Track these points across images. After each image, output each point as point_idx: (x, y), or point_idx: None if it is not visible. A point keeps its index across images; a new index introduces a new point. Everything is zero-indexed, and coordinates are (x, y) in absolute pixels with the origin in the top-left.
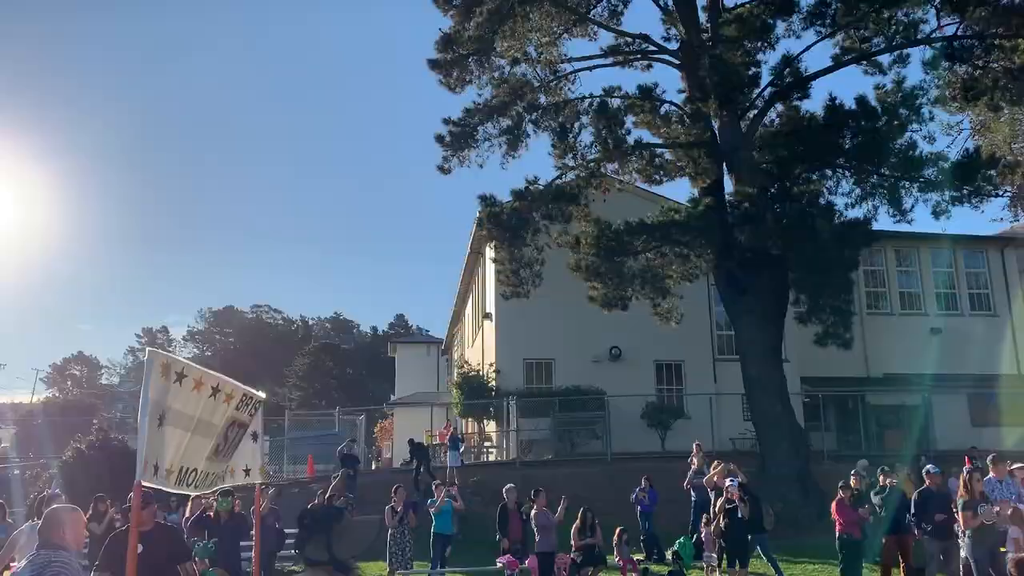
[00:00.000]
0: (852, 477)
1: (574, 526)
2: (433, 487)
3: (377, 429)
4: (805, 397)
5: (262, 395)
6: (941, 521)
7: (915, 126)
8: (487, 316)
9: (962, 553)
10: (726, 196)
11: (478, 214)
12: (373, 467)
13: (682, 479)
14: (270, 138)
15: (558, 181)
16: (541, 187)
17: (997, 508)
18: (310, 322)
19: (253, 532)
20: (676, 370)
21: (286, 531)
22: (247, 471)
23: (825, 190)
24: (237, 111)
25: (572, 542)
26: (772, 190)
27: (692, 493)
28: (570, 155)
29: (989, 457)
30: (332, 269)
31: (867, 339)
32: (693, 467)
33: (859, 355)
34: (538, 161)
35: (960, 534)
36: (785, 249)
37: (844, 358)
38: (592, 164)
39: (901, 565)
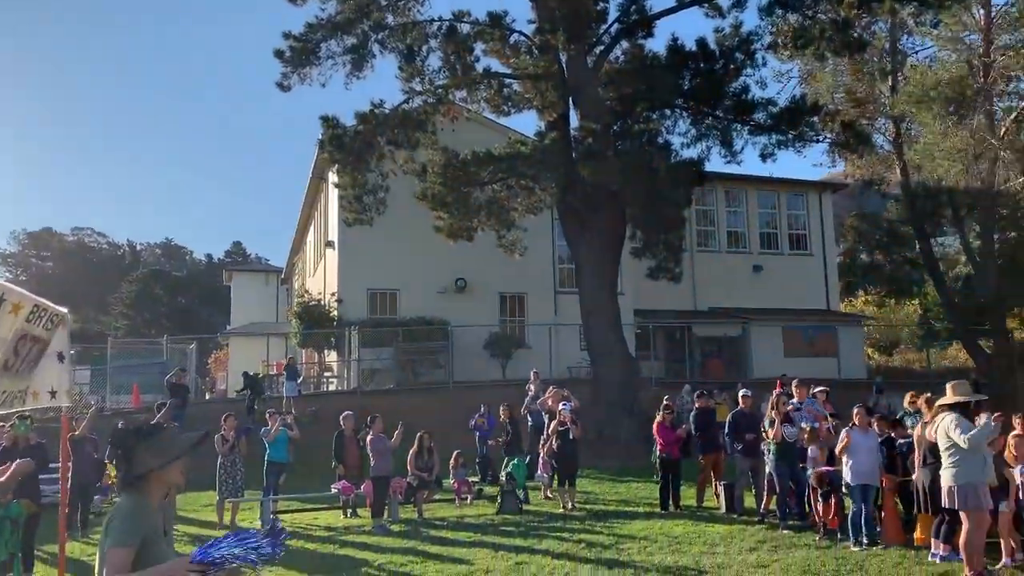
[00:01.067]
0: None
1: (411, 451)
2: (267, 415)
3: (211, 360)
4: (637, 328)
5: (62, 310)
6: (751, 440)
7: (749, 71)
8: (329, 244)
9: (767, 468)
10: (571, 131)
11: (320, 136)
12: (207, 397)
13: (521, 406)
14: (94, 49)
15: (405, 106)
16: (387, 111)
17: (801, 427)
18: (138, 247)
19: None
20: (519, 302)
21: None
22: (53, 393)
23: (663, 129)
24: (56, 21)
25: (408, 466)
26: (615, 127)
27: (529, 418)
28: (417, 79)
29: (794, 381)
30: (164, 193)
31: (696, 274)
32: (530, 393)
33: (688, 289)
34: (385, 85)
35: (766, 451)
36: (624, 185)
37: (674, 292)
38: (440, 90)
39: (714, 481)
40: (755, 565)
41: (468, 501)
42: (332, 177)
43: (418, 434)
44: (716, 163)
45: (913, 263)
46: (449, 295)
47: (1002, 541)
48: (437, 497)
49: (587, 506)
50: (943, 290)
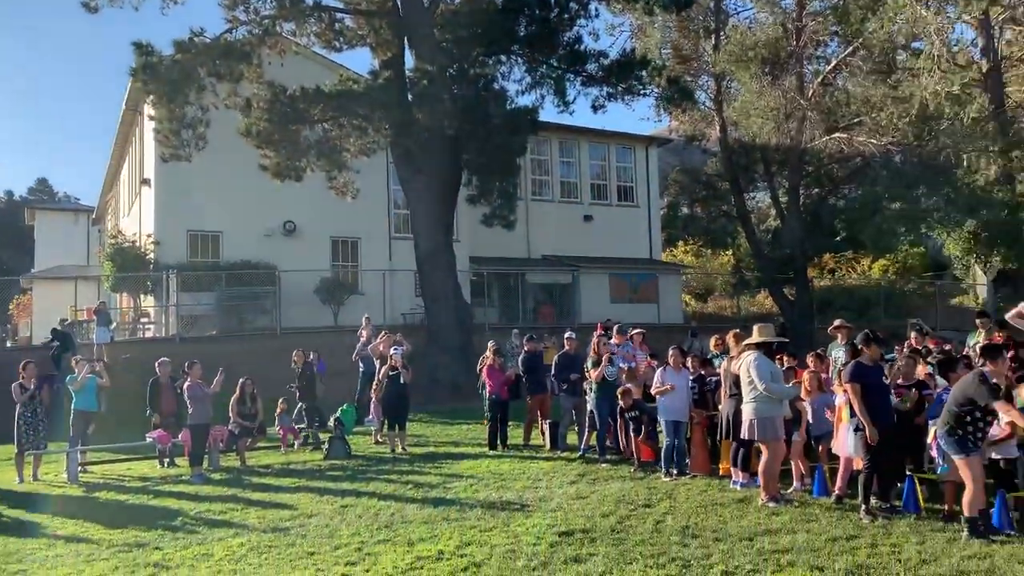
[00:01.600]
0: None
1: (233, 397)
2: (74, 363)
3: (13, 305)
4: (473, 275)
5: None
6: (575, 380)
7: (583, 22)
8: (145, 182)
9: (588, 407)
10: (407, 72)
11: (133, 64)
12: (8, 345)
13: (353, 352)
14: None
15: (228, 36)
16: (208, 40)
17: (621, 366)
18: None
19: None
20: (352, 246)
21: None
22: None
23: (499, 75)
24: None
25: (230, 414)
26: (451, 70)
27: (360, 364)
28: (241, 8)
29: (616, 326)
30: None
31: (530, 223)
32: (362, 339)
33: (522, 237)
34: (206, 14)
35: (588, 390)
36: (460, 131)
37: (509, 240)
38: (267, 21)
39: (540, 421)
40: (574, 497)
41: (294, 448)
42: (148, 110)
43: (240, 381)
44: (550, 113)
45: (728, 216)
46: (277, 238)
47: (793, 468)
48: (261, 445)
49: (417, 449)
50: (754, 242)
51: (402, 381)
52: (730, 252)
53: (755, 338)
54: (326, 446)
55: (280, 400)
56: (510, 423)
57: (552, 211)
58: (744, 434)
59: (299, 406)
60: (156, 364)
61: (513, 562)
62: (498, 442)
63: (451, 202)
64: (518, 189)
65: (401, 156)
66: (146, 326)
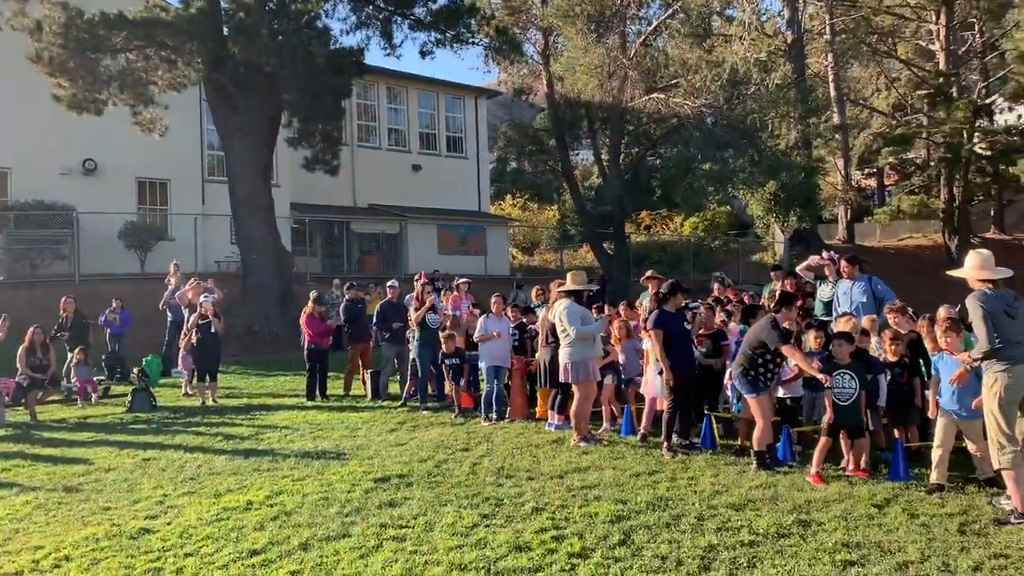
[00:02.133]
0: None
1: (21, 348)
2: None
3: None
4: (294, 222)
5: None
6: (398, 329)
7: None
8: None
9: (411, 355)
10: (222, 3)
11: None
12: None
13: (160, 300)
14: None
15: None
16: None
17: (446, 312)
18: None
19: None
20: (161, 189)
21: None
22: None
23: (323, 13)
24: None
25: (18, 364)
26: (270, 4)
27: (168, 313)
28: None
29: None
30: None
31: (356, 170)
32: (169, 287)
33: (347, 185)
34: None
35: (411, 338)
36: (279, 69)
37: (334, 187)
38: None
39: (361, 370)
40: (393, 444)
41: (92, 401)
42: None
43: (30, 329)
44: (377, 57)
45: (554, 172)
46: (75, 177)
47: (604, 410)
48: (55, 398)
49: (230, 401)
50: (577, 198)
51: (213, 331)
52: (555, 207)
53: (568, 285)
54: (129, 399)
55: (77, 348)
56: (330, 374)
57: (380, 159)
58: (560, 377)
59: (103, 357)
60: None
61: (326, 509)
62: (317, 393)
63: (270, 144)
64: (343, 134)
65: (215, 93)
66: None
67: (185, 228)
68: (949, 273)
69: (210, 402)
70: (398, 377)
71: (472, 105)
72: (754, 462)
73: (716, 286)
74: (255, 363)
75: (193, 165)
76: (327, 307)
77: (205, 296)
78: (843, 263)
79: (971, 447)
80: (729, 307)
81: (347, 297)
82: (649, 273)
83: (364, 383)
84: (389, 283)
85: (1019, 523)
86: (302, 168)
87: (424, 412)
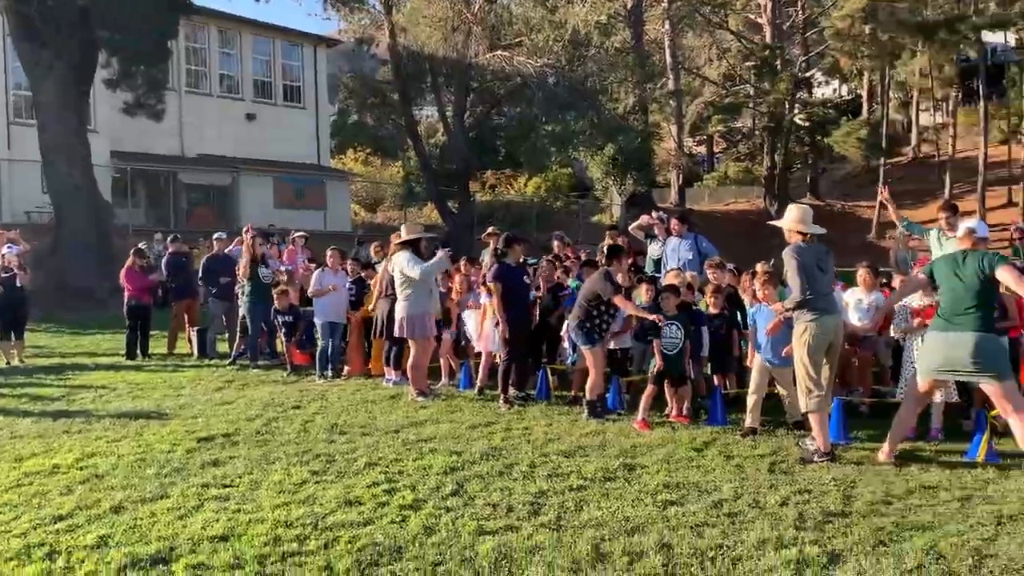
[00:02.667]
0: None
1: None
2: None
3: None
4: (115, 172)
5: None
6: (226, 284)
7: None
8: None
9: (241, 311)
10: None
11: None
12: None
13: None
14: None
15: None
16: None
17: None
18: None
19: None
20: None
21: None
22: None
23: None
24: None
25: None
26: None
27: None
28: None
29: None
30: None
31: (184, 118)
32: None
33: (175, 133)
34: None
35: (240, 294)
36: (93, 2)
37: (159, 135)
38: None
39: (187, 328)
40: (219, 403)
41: None
42: None
43: None
44: None
45: (398, 127)
46: None
47: (442, 364)
48: None
49: (40, 360)
50: (421, 155)
51: (18, 284)
52: (400, 163)
53: (403, 235)
54: None
55: None
56: (153, 332)
57: (211, 106)
58: (396, 331)
59: None
60: None
61: (142, 470)
62: (137, 351)
63: (85, 86)
64: (168, 77)
65: (20, 26)
66: None
67: None
68: (771, 223)
69: (16, 362)
70: (227, 335)
71: (311, 54)
72: (585, 411)
73: (556, 244)
74: (69, 321)
75: None
76: (149, 261)
77: (9, 247)
78: (674, 221)
79: (782, 393)
80: (567, 263)
81: (170, 251)
82: (490, 230)
83: (190, 341)
84: (215, 235)
85: (822, 461)
86: (122, 112)
87: (254, 371)
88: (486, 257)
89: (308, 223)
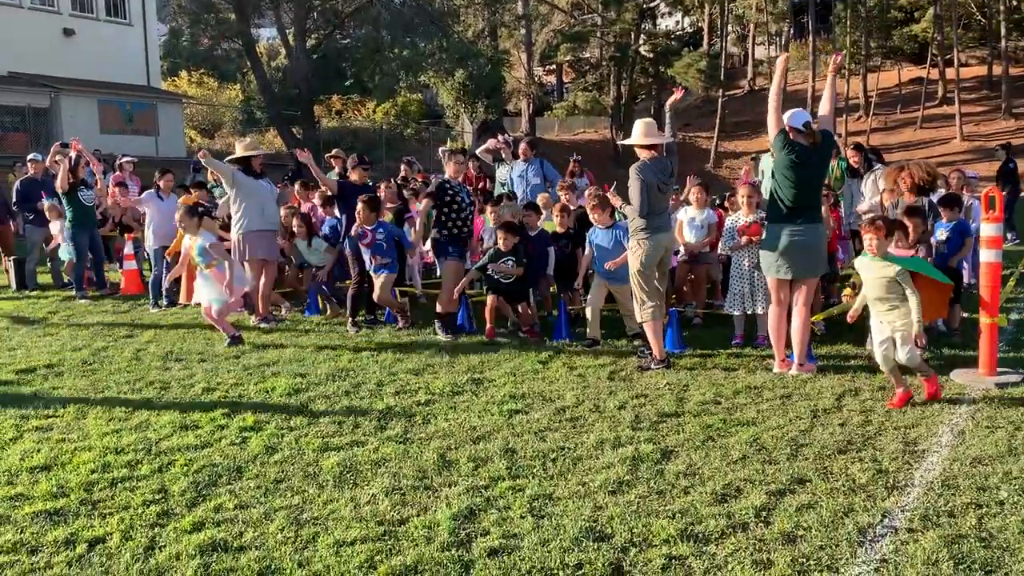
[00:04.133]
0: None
1: None
2: None
3: None
4: None
5: None
6: (42, 208)
7: None
8: None
9: (59, 241)
10: None
11: None
12: None
13: None
14: None
15: None
16: None
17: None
18: None
19: None
20: None
21: None
22: None
23: None
24: None
25: None
26: None
27: None
28: None
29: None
30: None
31: None
32: None
33: None
34: None
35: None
36: None
37: None
38: None
39: (3, 258)
40: (41, 334)
41: None
42: None
43: None
44: None
45: (235, 49)
46: None
47: (286, 291)
48: None
49: None
50: (261, 76)
51: None
52: (239, 87)
53: (237, 151)
54: None
55: None
56: None
57: (23, 20)
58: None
59: None
60: None
61: None
62: None
63: None
64: None
65: None
66: None
67: None
68: (621, 142)
69: None
70: (48, 265)
71: None
72: (438, 329)
73: (403, 168)
74: None
75: None
76: None
77: None
78: (523, 146)
79: (621, 307)
80: (413, 187)
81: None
82: (334, 152)
83: (7, 272)
84: (30, 156)
85: (658, 368)
86: None
87: (82, 301)
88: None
89: (139, 148)
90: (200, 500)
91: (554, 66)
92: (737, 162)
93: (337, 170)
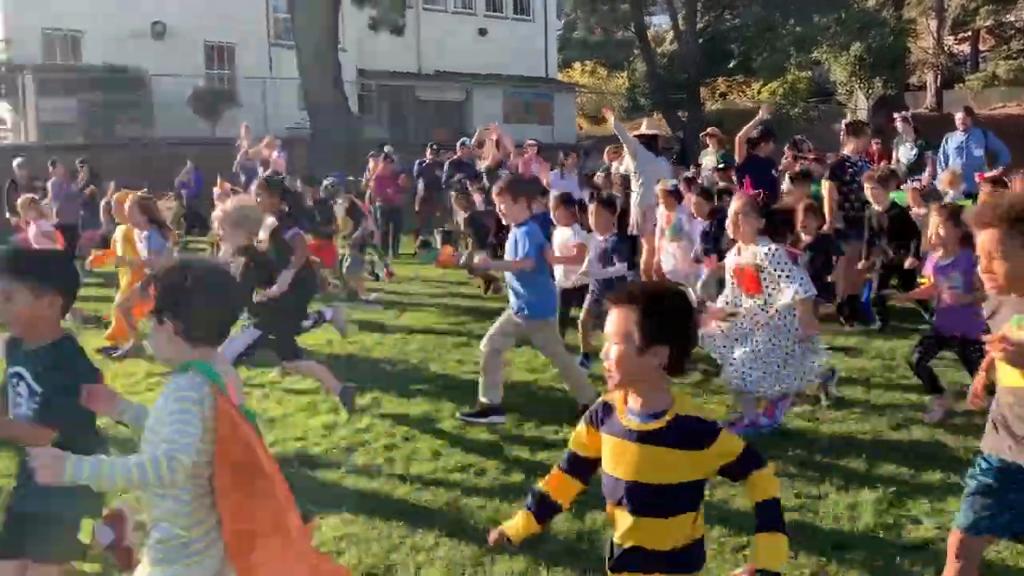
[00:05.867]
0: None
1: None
2: None
3: None
4: (361, 89)
5: None
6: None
7: None
8: None
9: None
10: None
11: None
12: None
13: (233, 163)
14: None
15: None
16: None
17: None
18: None
19: None
20: (227, 53)
21: None
22: None
23: None
24: None
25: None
26: None
27: (242, 175)
28: None
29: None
30: None
31: (421, 35)
32: (242, 149)
33: (413, 51)
34: None
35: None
36: None
37: (399, 53)
38: None
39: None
40: None
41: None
42: None
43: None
44: None
45: (626, 38)
46: (145, 40)
47: None
48: None
49: None
50: (651, 61)
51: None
52: (625, 75)
53: (643, 129)
54: None
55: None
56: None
57: (445, 22)
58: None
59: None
60: (14, 164)
61: None
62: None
63: (335, 6)
64: None
65: None
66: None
67: (253, 92)
68: None
69: None
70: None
71: None
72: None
73: (787, 151)
74: None
75: (259, 28)
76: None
77: (279, 152)
78: (960, 114)
79: None
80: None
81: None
82: (710, 130)
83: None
84: (460, 141)
85: None
86: (369, 29)
87: None
88: (705, 159)
89: (536, 136)
90: None
91: (968, 33)
92: None
93: (711, 149)
